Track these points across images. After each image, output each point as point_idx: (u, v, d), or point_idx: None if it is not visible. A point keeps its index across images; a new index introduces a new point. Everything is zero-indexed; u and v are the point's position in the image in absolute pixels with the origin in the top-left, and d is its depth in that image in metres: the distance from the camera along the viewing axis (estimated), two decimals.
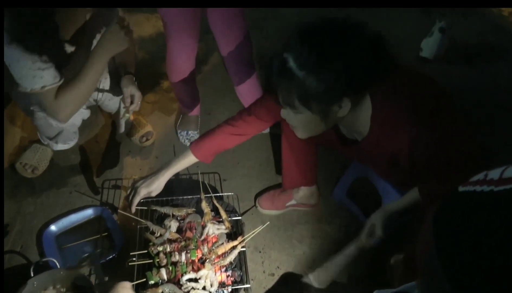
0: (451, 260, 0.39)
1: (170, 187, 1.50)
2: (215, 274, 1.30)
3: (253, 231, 1.41)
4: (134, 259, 1.34)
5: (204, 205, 1.48)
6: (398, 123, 1.02)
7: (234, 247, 1.36)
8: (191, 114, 2.03)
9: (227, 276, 1.33)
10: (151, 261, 1.34)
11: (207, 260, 1.30)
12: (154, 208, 1.49)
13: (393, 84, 1.04)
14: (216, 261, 1.31)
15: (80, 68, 1.40)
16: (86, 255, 1.53)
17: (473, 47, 2.67)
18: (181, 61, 1.75)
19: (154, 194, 1.41)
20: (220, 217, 1.48)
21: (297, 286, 1.46)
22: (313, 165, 1.61)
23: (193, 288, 1.24)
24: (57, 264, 1.35)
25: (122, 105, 1.69)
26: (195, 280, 1.27)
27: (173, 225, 1.41)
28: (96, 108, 1.97)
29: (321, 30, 0.94)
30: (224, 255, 1.35)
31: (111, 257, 1.48)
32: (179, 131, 2.04)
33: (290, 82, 0.96)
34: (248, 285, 1.32)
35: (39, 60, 1.29)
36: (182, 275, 1.27)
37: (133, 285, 1.16)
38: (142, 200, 1.41)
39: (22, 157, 1.80)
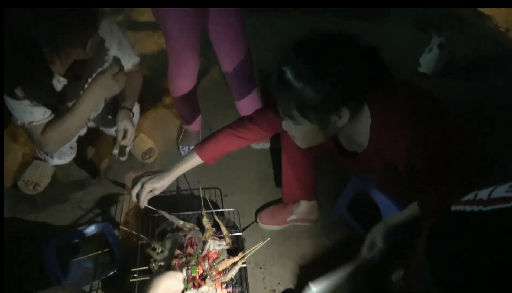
0: (443, 277, 0.40)
1: (172, 202, 1.50)
2: (216, 291, 1.30)
3: (254, 247, 1.41)
4: (135, 275, 1.34)
5: (205, 221, 1.49)
6: (396, 126, 1.04)
7: (235, 263, 1.36)
8: (192, 130, 2.05)
9: None
10: None
11: (208, 276, 1.30)
12: (161, 213, 1.49)
13: (391, 95, 1.07)
14: (217, 277, 1.31)
15: (70, 106, 1.39)
16: (87, 270, 1.53)
17: (470, 61, 2.70)
18: (183, 78, 1.78)
19: (157, 192, 1.41)
20: (221, 232, 1.48)
21: None
22: (312, 179, 1.62)
23: None
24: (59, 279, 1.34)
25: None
26: None
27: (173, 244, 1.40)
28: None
29: (316, 42, 0.98)
30: (225, 271, 1.35)
31: (112, 273, 1.47)
32: (181, 146, 2.06)
33: (288, 93, 0.98)
34: None
35: (29, 99, 1.29)
36: (183, 292, 1.27)
37: None
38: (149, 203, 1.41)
39: (24, 175, 1.80)
